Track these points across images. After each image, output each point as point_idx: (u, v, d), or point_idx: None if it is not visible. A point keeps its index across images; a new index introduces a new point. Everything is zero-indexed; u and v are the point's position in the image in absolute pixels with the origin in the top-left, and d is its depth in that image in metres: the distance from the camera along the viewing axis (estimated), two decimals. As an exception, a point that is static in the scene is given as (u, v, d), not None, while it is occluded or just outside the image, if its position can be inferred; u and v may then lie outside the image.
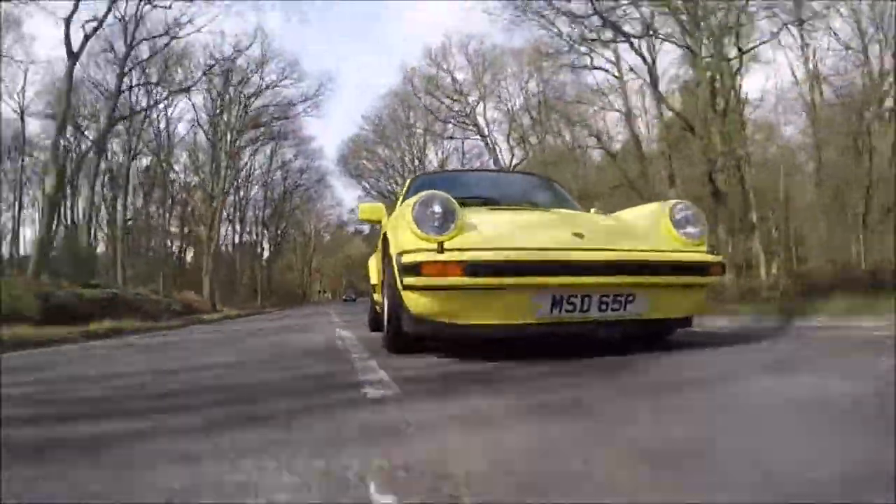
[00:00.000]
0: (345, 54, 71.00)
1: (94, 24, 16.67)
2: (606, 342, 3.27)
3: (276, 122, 29.30)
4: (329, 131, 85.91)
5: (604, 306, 2.81)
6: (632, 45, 17.68)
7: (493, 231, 3.01)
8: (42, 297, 10.12)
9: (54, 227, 16.57)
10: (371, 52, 69.72)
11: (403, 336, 3.16)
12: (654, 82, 18.14)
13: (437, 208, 2.94)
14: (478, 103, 31.89)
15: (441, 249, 2.72)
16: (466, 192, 4.06)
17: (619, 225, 3.50)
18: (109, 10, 16.80)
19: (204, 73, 24.27)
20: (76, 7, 16.20)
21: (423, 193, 3.07)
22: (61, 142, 16.93)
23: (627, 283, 2.80)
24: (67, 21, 16.03)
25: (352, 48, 78.15)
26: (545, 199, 4.37)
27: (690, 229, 3.21)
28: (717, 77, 15.85)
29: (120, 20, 19.08)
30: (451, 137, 35.18)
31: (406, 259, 2.79)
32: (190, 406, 2.02)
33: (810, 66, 19.91)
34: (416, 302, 2.89)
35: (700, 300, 3.20)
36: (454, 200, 3.00)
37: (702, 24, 15.84)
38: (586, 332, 2.95)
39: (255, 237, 44.63)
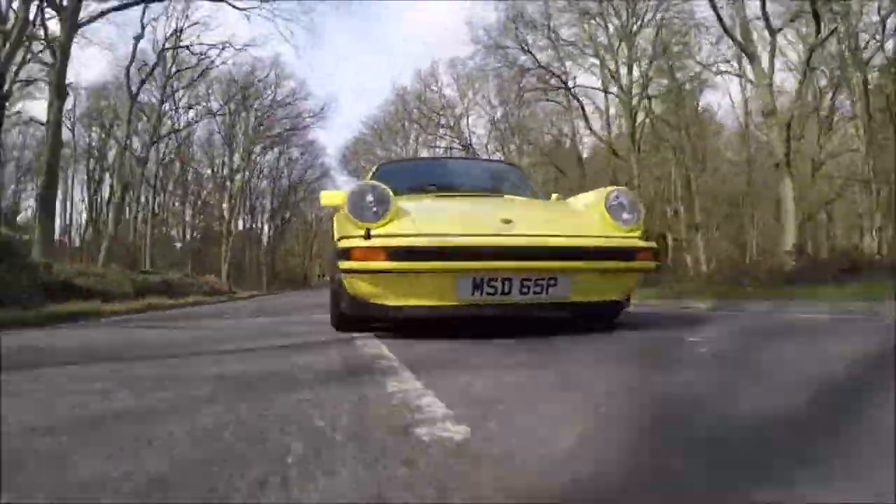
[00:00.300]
0: (345, 55, 74.90)
1: (146, 70, 21.45)
2: (554, 322, 3.42)
3: (287, 132, 34.01)
4: (332, 124, 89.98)
5: (525, 289, 2.92)
6: (571, 93, 22.53)
7: (426, 218, 3.18)
8: (131, 281, 15.04)
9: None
10: (371, 52, 73.68)
11: (345, 316, 3.43)
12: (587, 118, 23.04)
13: (370, 198, 3.11)
14: (462, 116, 36.57)
15: (368, 236, 2.94)
16: (425, 179, 4.43)
17: (558, 211, 3.71)
18: (158, 62, 21.54)
19: (228, 101, 29.01)
20: (133, 57, 20.97)
21: (359, 183, 3.30)
22: (126, 161, 21.76)
23: (548, 267, 2.93)
24: (128, 69, 20.79)
25: (352, 49, 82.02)
26: (502, 186, 4.49)
27: (625, 215, 3.29)
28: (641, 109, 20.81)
29: (161, 55, 23.83)
30: (438, 147, 39.96)
31: (341, 244, 3.03)
32: (286, 310, 6.97)
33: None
34: (351, 284, 3.09)
35: (628, 285, 3.29)
36: (388, 190, 3.15)
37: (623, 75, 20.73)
38: (510, 314, 3.06)
39: (261, 226, 49.56)
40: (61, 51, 15.89)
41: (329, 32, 76.70)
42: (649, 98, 20.59)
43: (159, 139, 26.05)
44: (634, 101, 20.78)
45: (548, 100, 25.59)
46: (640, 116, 21.66)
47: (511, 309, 3.00)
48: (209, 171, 36.60)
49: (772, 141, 13.94)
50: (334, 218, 3.60)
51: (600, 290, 3.12)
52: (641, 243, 3.19)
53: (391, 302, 3.01)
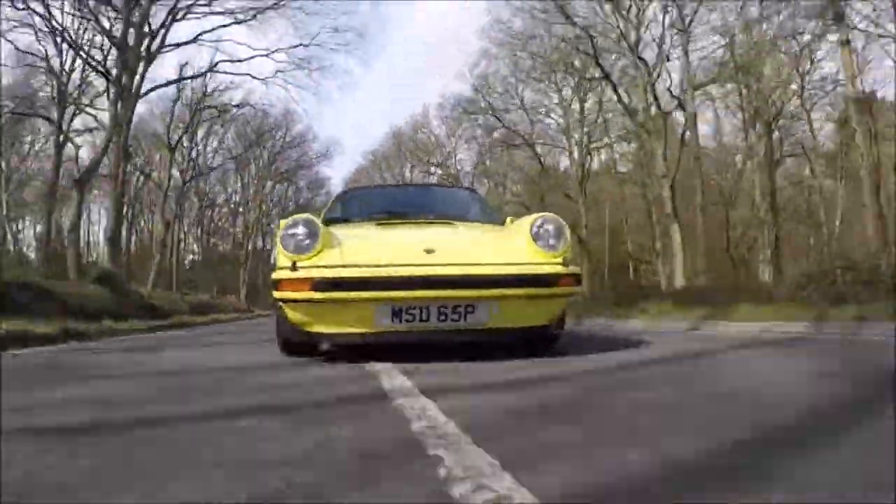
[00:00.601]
0: (346, 91, 79.78)
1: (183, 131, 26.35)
2: (501, 347, 3.50)
3: (295, 169, 38.85)
4: (335, 160, 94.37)
5: (443, 317, 3.07)
6: (533, 148, 27.27)
7: (353, 248, 3.34)
8: (183, 300, 19.74)
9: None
10: (372, 84, 78.13)
11: (286, 340, 3.61)
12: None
13: (300, 231, 3.28)
14: (450, 153, 41.15)
15: (294, 268, 3.13)
16: (383, 206, 4.76)
17: (488, 238, 3.84)
18: (192, 120, 26.47)
19: (248, 146, 33.96)
20: (172, 119, 25.79)
21: (291, 218, 3.47)
22: (172, 204, 26.66)
23: (465, 295, 3.06)
24: (168, 127, 25.60)
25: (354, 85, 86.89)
26: (455, 212, 4.55)
27: (551, 241, 3.36)
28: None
29: (194, 115, 28.71)
30: (433, 174, 44.57)
31: (273, 275, 3.22)
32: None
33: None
34: (285, 312, 3.31)
35: (551, 310, 3.34)
36: (318, 224, 3.34)
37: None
38: (435, 339, 3.23)
39: (271, 248, 54.32)
40: (126, 121, 20.58)
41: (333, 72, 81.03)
42: (590, 152, 25.35)
43: (190, 180, 30.93)
44: (584, 153, 25.56)
45: (516, 147, 30.31)
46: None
47: (433, 335, 3.15)
48: (223, 198, 41.28)
49: (664, 197, 18.56)
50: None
51: (522, 315, 3.21)
52: (561, 269, 3.25)
53: (320, 329, 3.22)
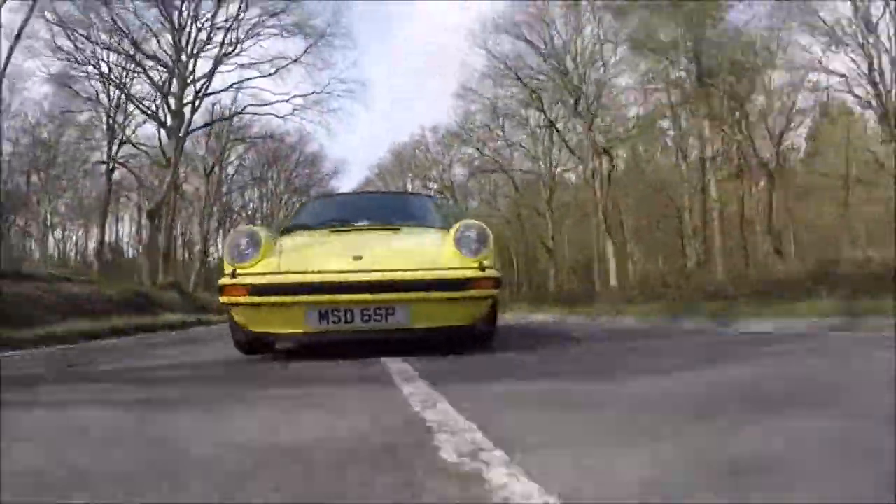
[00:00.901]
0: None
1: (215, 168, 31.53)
2: (431, 344, 3.74)
3: (308, 186, 43.91)
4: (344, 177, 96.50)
5: (366, 318, 3.38)
6: (508, 174, 32.32)
7: (291, 256, 3.66)
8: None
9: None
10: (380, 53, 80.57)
11: (238, 340, 3.86)
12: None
13: (242, 242, 3.62)
14: (445, 169, 46.01)
15: (234, 275, 3.44)
16: (334, 214, 5.05)
17: (418, 244, 4.04)
18: (220, 158, 31.68)
19: (267, 167, 39.18)
20: (206, 150, 30.91)
21: (235, 230, 3.89)
22: (204, 225, 31.91)
23: (385, 299, 3.36)
24: (203, 157, 30.71)
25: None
26: (402, 219, 4.66)
27: (473, 246, 3.61)
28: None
29: (225, 145, 33.78)
30: (430, 187, 49.61)
31: (219, 281, 3.54)
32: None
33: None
34: (233, 314, 3.63)
35: (472, 311, 3.57)
36: (260, 234, 3.67)
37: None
38: (363, 339, 3.55)
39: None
40: (175, 160, 25.39)
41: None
42: (554, 175, 30.39)
43: (219, 198, 36.20)
44: (552, 175, 30.52)
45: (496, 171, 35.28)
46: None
47: (359, 335, 3.46)
48: (239, 205, 46.06)
49: (599, 219, 23.66)
50: None
51: (442, 316, 3.47)
52: (477, 273, 3.46)
53: (259, 329, 3.56)
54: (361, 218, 4.70)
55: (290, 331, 3.52)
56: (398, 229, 4.34)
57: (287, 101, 27.34)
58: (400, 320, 3.41)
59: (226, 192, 37.51)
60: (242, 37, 24.91)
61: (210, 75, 25.31)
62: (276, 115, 28.36)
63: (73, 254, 44.16)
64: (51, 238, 37.84)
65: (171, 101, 24.57)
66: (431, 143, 44.63)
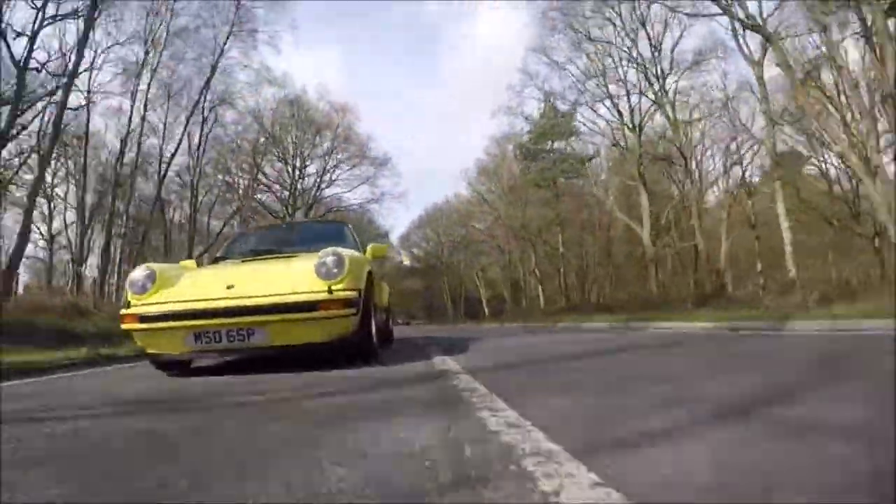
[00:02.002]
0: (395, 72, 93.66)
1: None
2: (324, 360, 4.28)
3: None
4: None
5: (231, 338, 3.84)
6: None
7: (178, 288, 4.16)
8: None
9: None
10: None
11: (148, 360, 4.35)
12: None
13: (138, 277, 4.19)
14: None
15: (128, 305, 4.05)
16: (249, 245, 5.82)
17: (288, 271, 4.28)
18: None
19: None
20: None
21: (136, 268, 4.42)
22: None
23: (245, 322, 3.81)
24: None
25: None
26: (307, 246, 5.12)
27: (334, 271, 3.98)
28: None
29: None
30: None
31: (121, 311, 4.11)
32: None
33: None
34: (135, 339, 4.18)
35: (328, 330, 3.93)
36: (155, 272, 4.21)
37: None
38: (231, 355, 4.39)
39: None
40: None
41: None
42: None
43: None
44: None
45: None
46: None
47: (228, 353, 4.11)
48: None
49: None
50: None
51: (298, 335, 3.88)
52: (324, 296, 3.82)
53: (152, 350, 4.14)
54: (268, 248, 5.45)
55: (175, 351, 4.02)
56: (294, 256, 4.83)
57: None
58: (261, 339, 3.84)
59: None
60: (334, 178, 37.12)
61: (314, 197, 36.83)
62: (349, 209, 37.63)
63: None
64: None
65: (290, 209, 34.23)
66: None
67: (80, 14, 17.14)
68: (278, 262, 4.71)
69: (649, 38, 21.65)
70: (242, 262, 5.00)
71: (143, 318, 3.96)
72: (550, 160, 29.48)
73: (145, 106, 23.70)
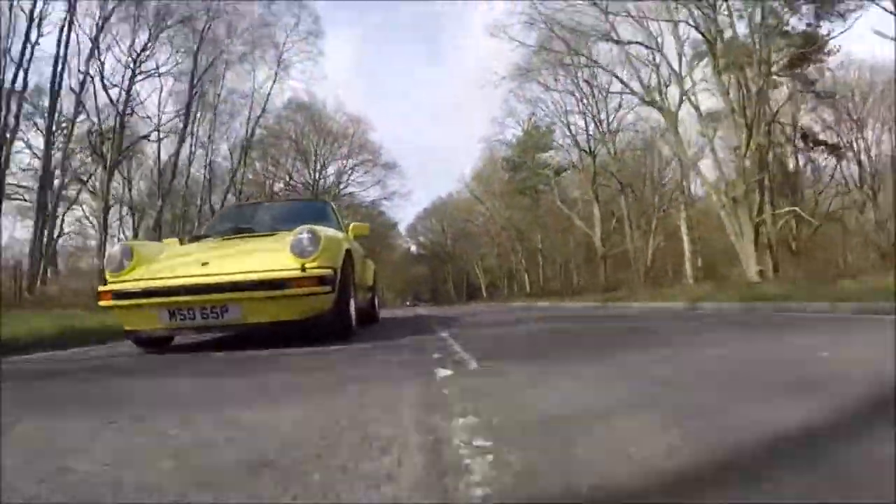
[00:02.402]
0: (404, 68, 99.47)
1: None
2: (307, 336, 4.29)
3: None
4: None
5: (205, 315, 3.87)
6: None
7: (155, 265, 4.20)
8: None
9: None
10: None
11: (126, 335, 4.38)
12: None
13: (116, 254, 4.21)
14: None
15: (104, 282, 4.12)
16: (231, 223, 5.71)
17: (266, 249, 4.37)
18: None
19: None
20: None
21: (114, 245, 4.50)
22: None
23: (218, 299, 3.84)
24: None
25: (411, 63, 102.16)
26: (288, 225, 4.92)
27: (308, 249, 4.00)
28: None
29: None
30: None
31: (98, 288, 4.18)
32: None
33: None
34: (116, 315, 4.23)
35: (299, 308, 3.94)
36: (132, 250, 4.23)
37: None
38: (209, 331, 4.22)
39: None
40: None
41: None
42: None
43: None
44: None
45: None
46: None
47: (203, 329, 4.06)
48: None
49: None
50: None
51: (274, 312, 3.89)
52: (297, 274, 3.84)
53: (128, 326, 4.16)
54: (249, 226, 5.45)
55: (150, 327, 4.05)
56: (275, 233, 4.90)
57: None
58: (234, 316, 3.86)
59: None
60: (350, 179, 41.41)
61: (333, 196, 42.60)
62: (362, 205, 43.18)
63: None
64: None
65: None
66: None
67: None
68: (256, 240, 4.85)
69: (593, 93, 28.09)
70: (223, 240, 5.09)
71: (117, 295, 4.01)
72: (531, 171, 34.66)
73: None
